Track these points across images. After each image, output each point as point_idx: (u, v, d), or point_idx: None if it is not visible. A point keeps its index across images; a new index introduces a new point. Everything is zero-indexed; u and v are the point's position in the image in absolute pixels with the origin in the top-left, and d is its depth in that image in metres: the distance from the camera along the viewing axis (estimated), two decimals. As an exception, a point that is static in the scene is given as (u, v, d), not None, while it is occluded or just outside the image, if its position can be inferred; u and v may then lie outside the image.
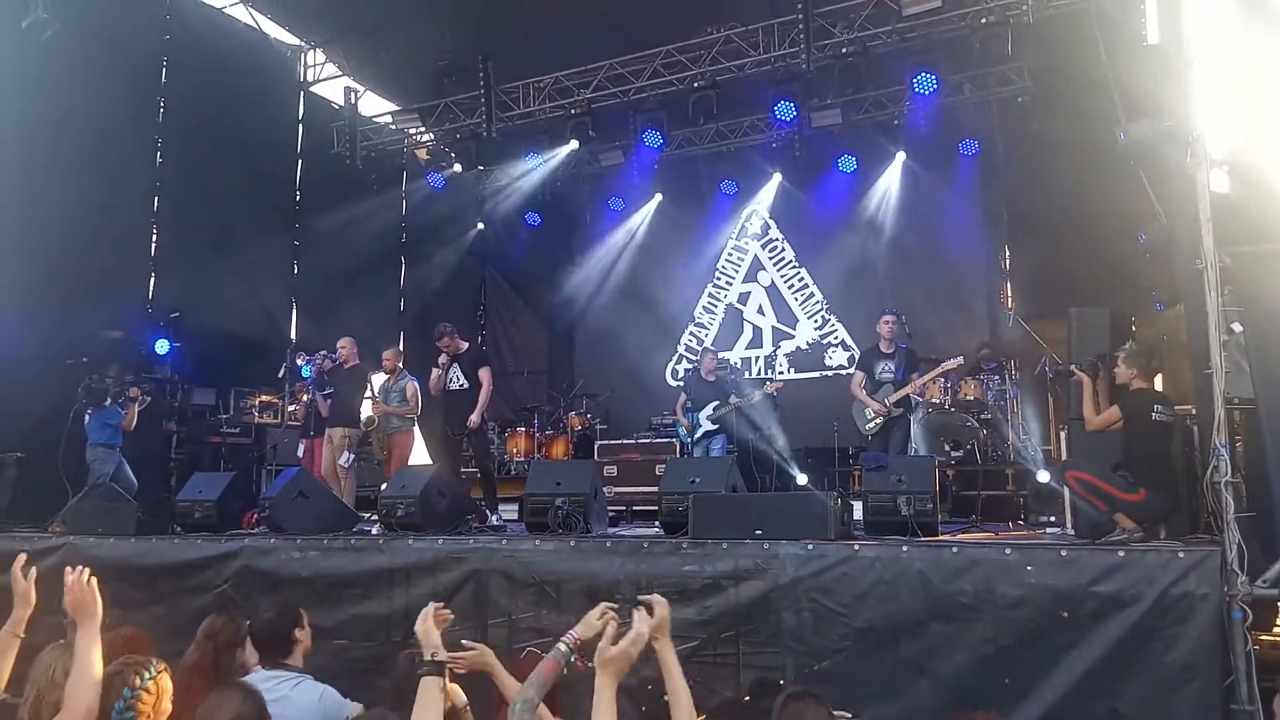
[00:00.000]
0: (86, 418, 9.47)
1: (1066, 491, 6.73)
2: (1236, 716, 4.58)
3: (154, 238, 11.75)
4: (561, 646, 3.16)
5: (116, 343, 10.63)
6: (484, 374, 9.31)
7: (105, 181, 10.78)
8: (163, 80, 11.91)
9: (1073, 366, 6.61)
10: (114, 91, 11.05)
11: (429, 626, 3.27)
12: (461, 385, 9.27)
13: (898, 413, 8.90)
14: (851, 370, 9.93)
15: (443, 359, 9.30)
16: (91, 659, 3.12)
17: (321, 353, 10.12)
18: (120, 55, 11.20)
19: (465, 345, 9.56)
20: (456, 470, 9.37)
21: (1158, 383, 8.03)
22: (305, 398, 10.35)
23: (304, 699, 4.02)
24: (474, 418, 9.15)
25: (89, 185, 10.46)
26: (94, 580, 3.32)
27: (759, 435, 10.25)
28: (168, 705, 3.35)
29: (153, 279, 11.67)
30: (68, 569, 3.33)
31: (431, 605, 3.36)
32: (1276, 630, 5.61)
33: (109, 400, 9.53)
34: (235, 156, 12.32)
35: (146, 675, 3.31)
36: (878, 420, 8.88)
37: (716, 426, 10.18)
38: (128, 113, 11.38)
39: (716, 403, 10.20)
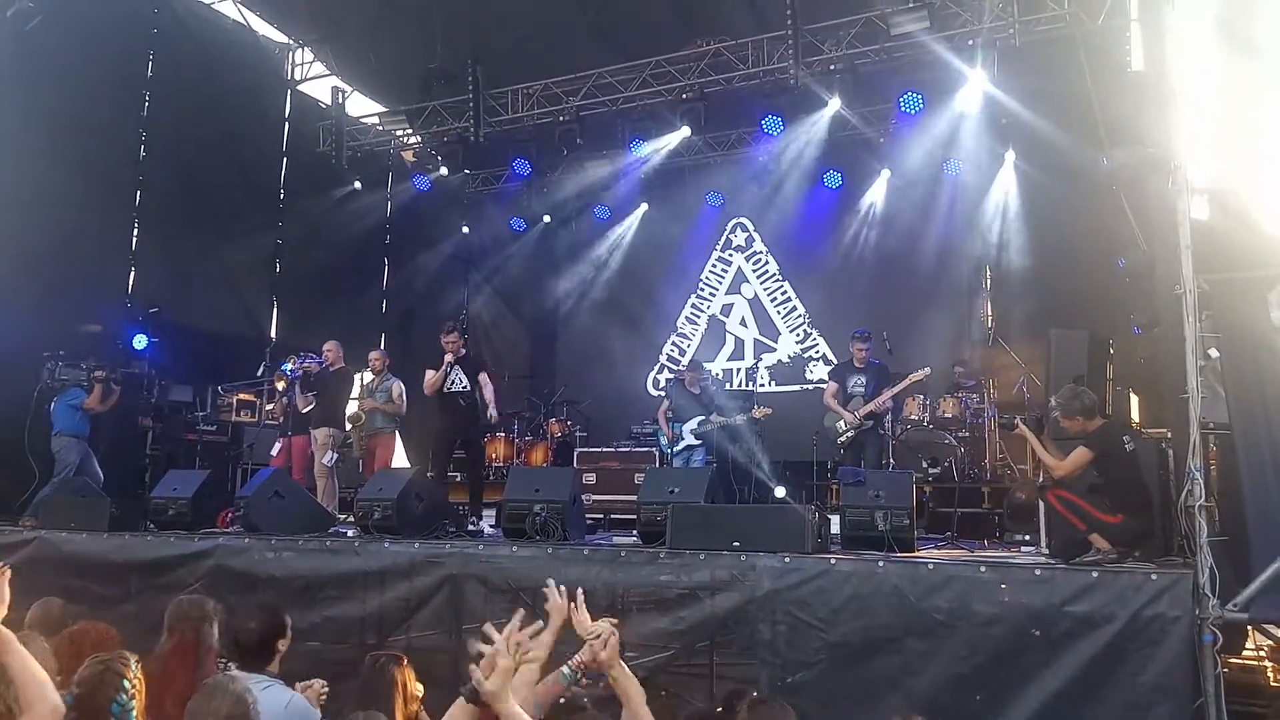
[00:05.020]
0: (52, 405, 9.35)
1: (1042, 510, 6.78)
2: (1205, 739, 4.62)
3: (135, 232, 11.60)
4: (565, 670, 3.11)
5: (94, 336, 10.51)
6: (485, 379, 9.28)
7: (87, 174, 10.68)
8: (148, 74, 11.78)
9: (1017, 420, 6.65)
10: (98, 84, 10.96)
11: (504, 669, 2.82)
12: (464, 388, 9.19)
13: (868, 425, 9.15)
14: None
15: (448, 358, 9.14)
16: (27, 661, 3.08)
17: (309, 357, 10.05)
18: (105, 47, 11.09)
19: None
20: (444, 472, 9.32)
21: (1134, 409, 8.13)
22: (282, 385, 10.26)
23: (270, 705, 3.98)
24: (493, 413, 9.31)
25: (70, 177, 10.36)
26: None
27: (738, 448, 10.27)
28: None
29: (132, 273, 11.53)
30: None
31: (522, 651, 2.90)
32: (1246, 654, 5.67)
33: (72, 382, 9.39)
34: (219, 153, 12.23)
35: (133, 668, 3.38)
36: (850, 433, 9.10)
37: (699, 441, 10.21)
38: (112, 106, 11.28)
39: (701, 418, 10.22)
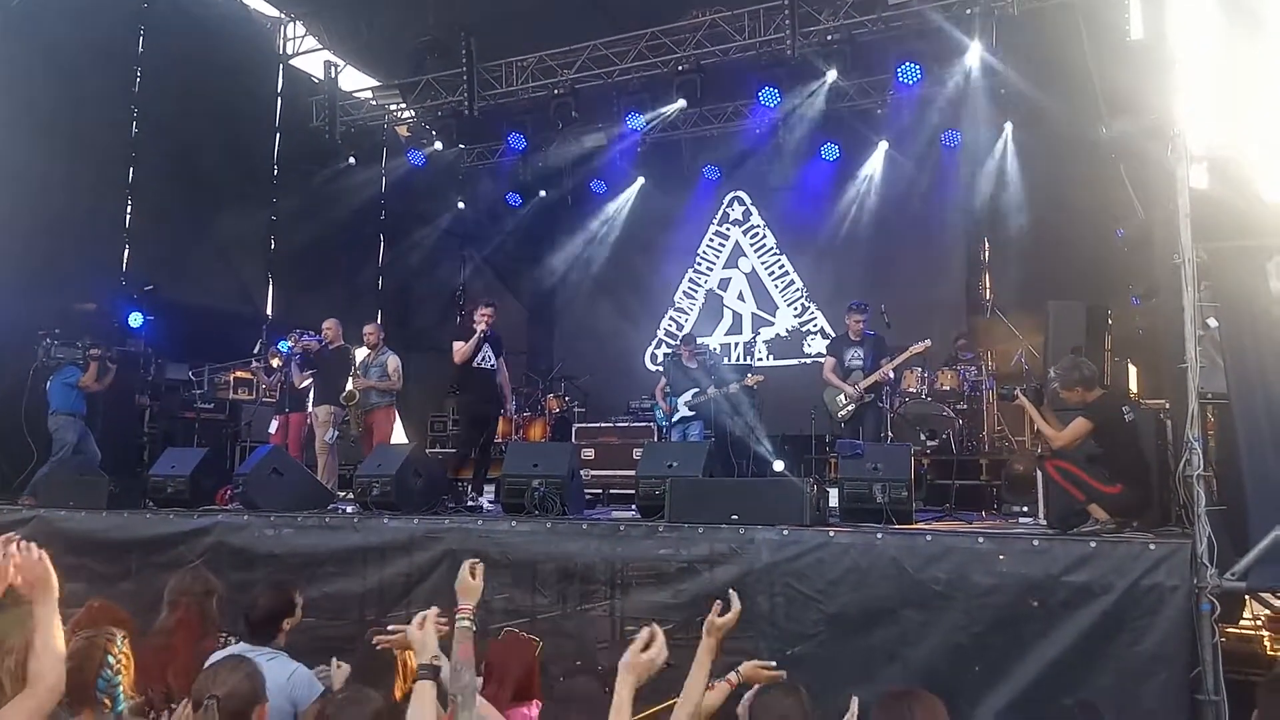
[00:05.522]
0: (48, 384, 9.33)
1: (1040, 481, 6.79)
2: (1202, 707, 4.63)
3: (128, 209, 11.55)
4: (464, 623, 3.16)
5: (89, 315, 10.48)
6: (502, 364, 9.42)
7: (79, 151, 10.63)
8: (139, 49, 11.69)
9: (1016, 390, 6.65)
10: (89, 60, 10.85)
11: (427, 631, 3.20)
12: (492, 366, 9.19)
13: (869, 399, 9.13)
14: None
15: (481, 329, 9.02)
16: (54, 634, 3.06)
17: (308, 334, 10.03)
18: (95, 24, 10.98)
19: None
20: (470, 449, 9.31)
21: (1132, 379, 8.13)
22: (277, 362, 10.25)
23: (274, 675, 3.99)
24: (510, 405, 9.57)
25: (62, 156, 10.32)
26: (44, 554, 3.26)
27: (737, 422, 10.28)
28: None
29: (127, 251, 11.48)
30: (9, 543, 3.27)
31: (433, 610, 3.30)
32: (1244, 623, 5.69)
33: (67, 361, 9.36)
34: (212, 128, 12.14)
35: (119, 643, 3.35)
36: (850, 406, 9.08)
37: (694, 413, 10.21)
38: (103, 83, 11.17)
39: (695, 389, 10.21)
